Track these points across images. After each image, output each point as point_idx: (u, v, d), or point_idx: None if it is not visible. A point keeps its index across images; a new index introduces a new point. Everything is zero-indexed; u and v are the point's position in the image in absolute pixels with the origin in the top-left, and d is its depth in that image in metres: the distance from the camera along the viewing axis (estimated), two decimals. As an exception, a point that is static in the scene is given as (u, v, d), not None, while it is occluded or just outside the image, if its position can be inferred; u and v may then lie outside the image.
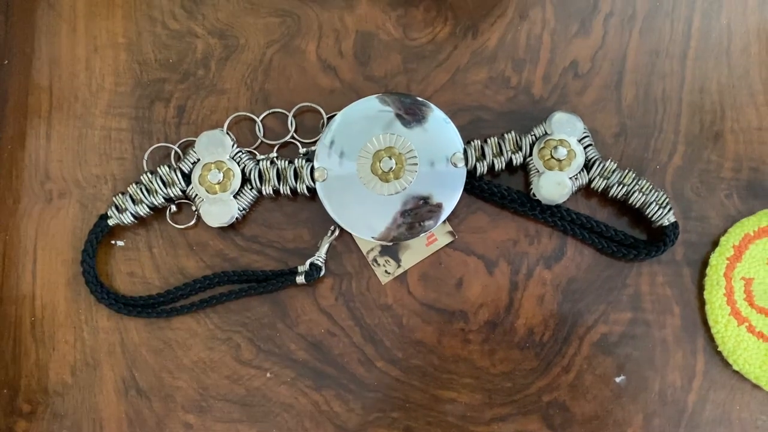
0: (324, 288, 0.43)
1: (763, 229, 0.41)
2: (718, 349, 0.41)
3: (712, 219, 0.42)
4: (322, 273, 0.42)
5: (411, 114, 0.42)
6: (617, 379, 0.41)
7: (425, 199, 0.41)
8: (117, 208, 0.42)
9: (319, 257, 0.42)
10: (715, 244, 0.42)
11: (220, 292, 0.43)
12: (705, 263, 0.42)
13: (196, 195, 0.42)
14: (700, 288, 0.42)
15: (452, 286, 0.43)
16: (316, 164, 0.41)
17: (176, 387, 0.42)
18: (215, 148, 0.42)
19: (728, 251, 0.41)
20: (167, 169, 0.42)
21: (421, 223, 0.41)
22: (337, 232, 0.43)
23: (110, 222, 0.42)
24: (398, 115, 0.42)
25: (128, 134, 0.45)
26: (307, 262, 0.42)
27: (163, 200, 0.42)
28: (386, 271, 0.43)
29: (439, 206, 0.41)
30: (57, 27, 0.46)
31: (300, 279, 0.41)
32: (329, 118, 0.43)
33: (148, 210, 0.42)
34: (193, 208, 0.43)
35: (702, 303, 0.41)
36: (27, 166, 0.45)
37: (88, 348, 0.43)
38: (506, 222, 0.43)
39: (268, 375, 0.42)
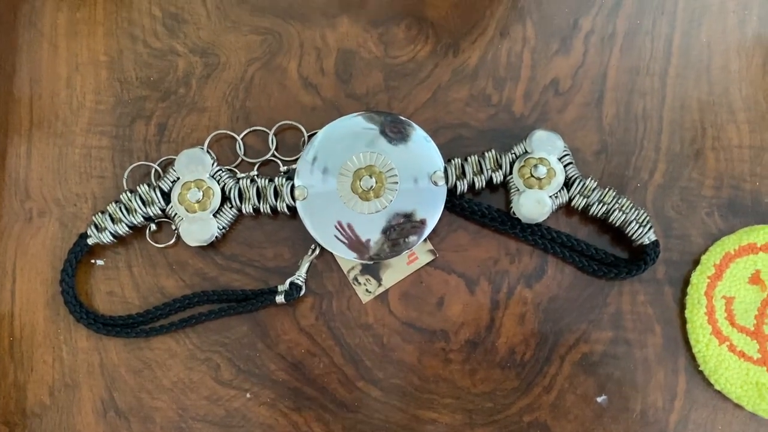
0: (304, 307, 0.42)
1: (743, 247, 0.41)
2: (700, 369, 0.41)
3: (693, 237, 0.42)
4: (302, 292, 0.42)
5: (394, 131, 0.42)
6: (599, 399, 0.41)
7: (407, 217, 0.41)
8: (96, 227, 0.42)
9: (300, 276, 0.42)
10: (696, 262, 0.42)
11: (199, 311, 0.42)
12: (686, 282, 0.42)
13: (176, 214, 0.42)
14: (682, 306, 0.42)
15: (433, 305, 0.42)
16: (296, 182, 0.41)
17: (155, 408, 0.42)
18: (195, 167, 0.42)
19: (709, 270, 0.41)
20: (146, 187, 0.42)
21: (405, 240, 0.41)
22: (317, 251, 0.42)
23: (89, 241, 0.42)
24: (382, 132, 0.42)
25: (109, 152, 0.45)
26: (287, 282, 0.42)
27: (142, 219, 0.42)
28: (367, 290, 0.42)
29: (422, 223, 0.41)
30: (38, 44, 0.46)
31: (279, 298, 0.41)
32: (310, 136, 0.43)
33: (127, 229, 0.42)
34: (173, 227, 0.42)
35: (683, 321, 0.41)
36: (7, 184, 0.45)
37: (67, 368, 0.43)
38: (487, 240, 0.43)
39: (248, 395, 0.42)
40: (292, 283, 0.42)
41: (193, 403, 0.42)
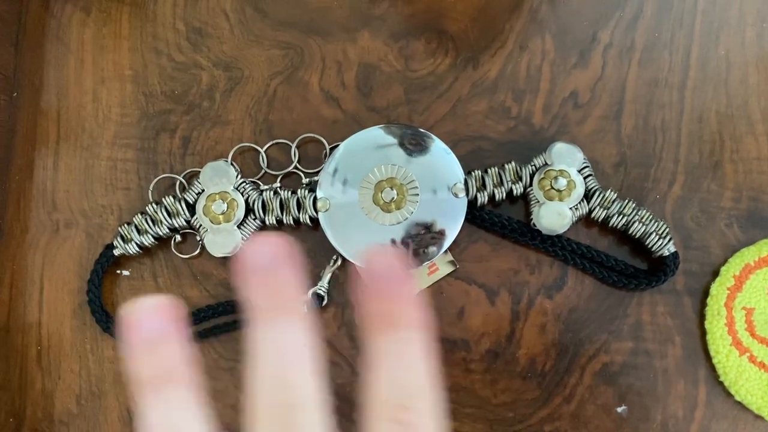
0: (327, 317, 0.43)
1: (763, 258, 0.41)
2: (720, 380, 0.41)
3: (712, 248, 0.43)
4: (325, 303, 0.43)
5: (413, 144, 0.42)
6: (619, 409, 0.41)
7: (427, 228, 0.41)
8: (122, 238, 0.43)
9: (322, 287, 0.43)
10: (716, 273, 0.42)
11: (224, 321, 0.43)
12: (706, 293, 0.42)
13: (201, 225, 0.42)
14: (701, 318, 0.42)
15: (453, 316, 0.43)
16: (318, 194, 0.42)
17: (180, 416, 0.43)
18: (219, 179, 0.43)
19: (729, 281, 0.41)
20: (172, 199, 0.43)
21: (425, 251, 0.41)
22: (339, 262, 0.43)
23: (116, 252, 0.43)
24: (401, 145, 0.42)
25: (134, 165, 0.45)
26: (310, 292, 0.42)
27: (167, 230, 0.43)
28: (388, 301, 0.43)
29: (441, 233, 0.41)
30: (65, 59, 0.47)
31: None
32: (332, 149, 0.44)
33: (153, 240, 0.43)
34: (198, 238, 0.43)
35: (703, 333, 0.42)
36: (34, 196, 0.46)
37: (94, 377, 0.43)
38: (507, 251, 0.43)
39: (271, 404, 0.42)
40: (314, 293, 0.42)
41: (217, 412, 0.42)
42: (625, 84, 0.45)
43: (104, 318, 0.43)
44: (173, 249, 0.44)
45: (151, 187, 0.44)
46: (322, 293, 0.42)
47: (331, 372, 0.43)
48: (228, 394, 0.43)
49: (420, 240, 0.41)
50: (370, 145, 0.43)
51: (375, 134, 0.43)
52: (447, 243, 0.41)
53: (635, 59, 0.45)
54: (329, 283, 0.43)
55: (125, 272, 0.44)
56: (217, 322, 0.43)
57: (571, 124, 0.44)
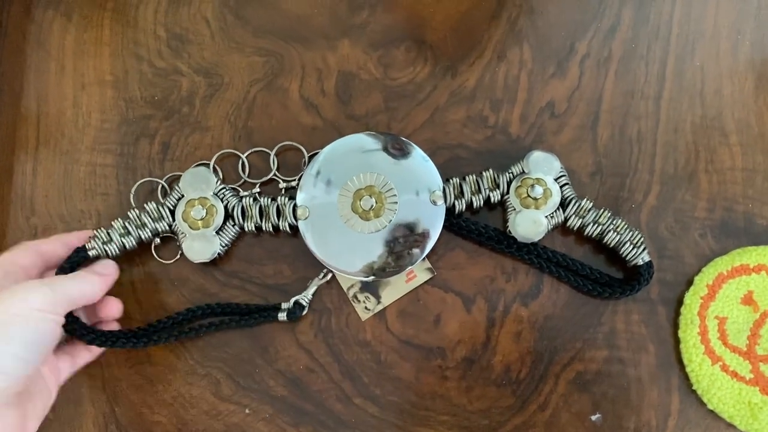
0: (304, 324, 0.43)
1: (736, 268, 0.42)
2: (693, 388, 0.41)
3: (686, 258, 0.43)
4: (305, 312, 0.43)
5: (395, 148, 0.43)
6: (593, 417, 0.42)
7: (410, 230, 0.41)
8: (98, 239, 0.42)
9: (305, 297, 0.43)
10: (690, 283, 0.42)
11: (199, 324, 0.43)
12: (680, 302, 0.42)
13: (180, 231, 0.42)
14: (675, 326, 0.42)
15: (430, 323, 0.43)
16: (299, 200, 0.42)
17: (156, 422, 0.43)
18: (199, 185, 0.43)
19: (702, 290, 0.42)
20: (154, 204, 0.42)
21: (409, 252, 0.41)
22: (329, 276, 0.43)
23: (91, 253, 0.42)
24: (384, 149, 0.43)
25: (113, 170, 0.45)
26: (292, 300, 0.43)
27: (149, 235, 0.42)
28: (366, 308, 0.43)
29: (424, 236, 0.41)
30: (46, 64, 0.47)
31: (282, 316, 0.42)
32: (311, 157, 0.44)
33: (133, 243, 0.42)
34: (177, 244, 0.43)
35: (677, 341, 0.42)
36: (13, 200, 0.45)
37: (69, 383, 0.43)
38: (484, 259, 0.43)
39: (247, 411, 0.42)
40: (296, 302, 0.42)
41: (193, 418, 0.43)
42: (601, 94, 0.45)
43: (74, 322, 0.42)
44: (153, 253, 0.44)
45: (132, 191, 0.44)
46: (304, 303, 0.42)
47: (308, 379, 0.43)
48: (204, 400, 0.43)
49: (404, 242, 0.41)
50: (353, 148, 0.43)
51: (357, 138, 0.43)
52: (429, 246, 0.42)
53: (612, 70, 0.45)
54: (314, 295, 0.43)
55: (103, 277, 0.44)
56: (193, 326, 0.43)
57: (547, 133, 0.45)
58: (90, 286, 0.38)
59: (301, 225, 0.42)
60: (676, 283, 0.43)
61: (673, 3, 0.46)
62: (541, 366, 0.42)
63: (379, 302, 0.43)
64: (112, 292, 0.43)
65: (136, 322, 0.43)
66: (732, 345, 0.41)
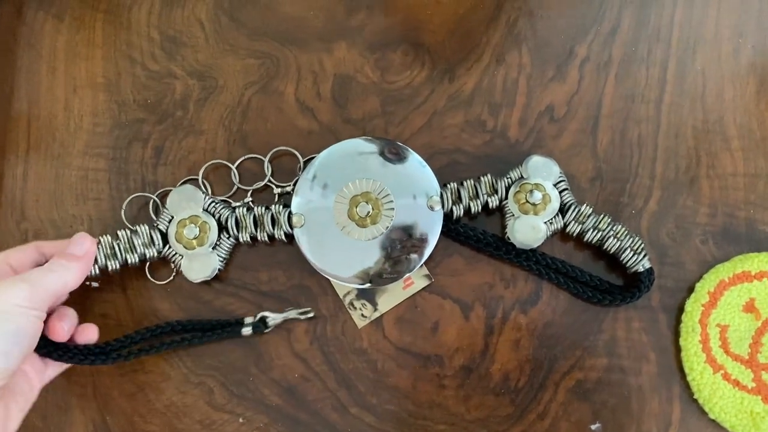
0: (299, 332, 0.42)
1: (738, 275, 0.41)
2: (695, 397, 0.41)
3: (687, 265, 0.42)
4: (267, 330, 0.42)
5: (392, 152, 0.42)
6: (593, 427, 0.41)
7: (403, 243, 0.41)
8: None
9: (275, 317, 0.42)
10: (691, 290, 0.42)
11: (160, 341, 0.41)
12: (681, 309, 0.42)
13: (175, 252, 0.41)
14: (676, 334, 0.42)
15: (428, 330, 0.42)
16: (293, 208, 0.41)
17: (148, 432, 0.42)
18: (188, 203, 0.41)
19: (703, 298, 0.41)
20: (147, 228, 0.41)
21: (407, 257, 0.41)
22: (310, 315, 0.42)
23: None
24: (381, 153, 0.42)
25: (105, 174, 0.45)
26: (258, 315, 0.42)
27: (136, 260, 0.41)
28: (363, 315, 0.42)
29: (422, 241, 0.41)
30: (37, 67, 0.46)
31: (246, 330, 0.41)
32: (306, 162, 0.43)
33: (117, 267, 0.41)
34: (172, 266, 0.42)
35: (678, 349, 0.41)
36: (3, 205, 0.45)
37: (60, 391, 0.42)
38: (482, 265, 0.43)
39: (241, 420, 0.42)
40: (262, 318, 0.41)
41: (186, 427, 0.42)
42: (601, 98, 0.44)
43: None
44: (148, 275, 0.43)
45: (123, 207, 0.43)
46: (270, 323, 0.41)
47: (303, 388, 0.42)
48: (197, 409, 0.42)
49: (402, 246, 0.41)
50: (349, 153, 0.42)
51: (354, 143, 0.42)
52: (428, 251, 0.41)
53: (612, 74, 0.45)
54: (283, 322, 0.42)
55: (94, 284, 0.43)
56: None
57: (547, 138, 0.44)
58: (69, 273, 0.37)
59: (296, 233, 0.41)
60: (677, 290, 0.42)
61: (674, 6, 0.46)
62: (541, 374, 0.42)
63: (375, 309, 0.42)
64: (105, 301, 0.43)
65: (129, 330, 0.43)
66: (734, 353, 0.41)
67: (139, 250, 0.41)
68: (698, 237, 0.43)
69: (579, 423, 0.41)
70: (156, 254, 0.41)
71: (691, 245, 0.42)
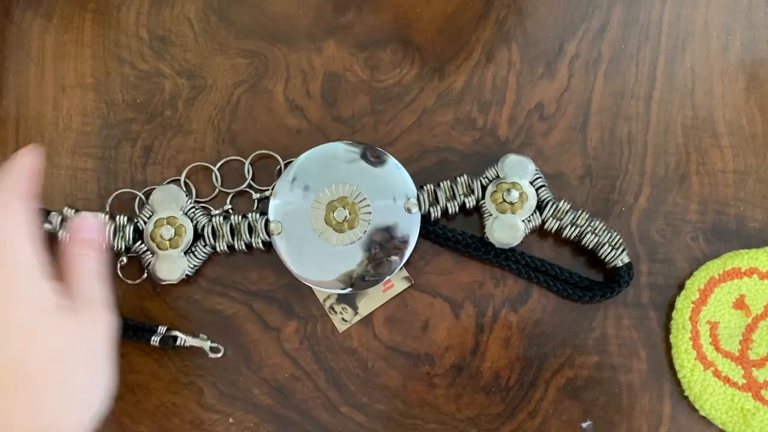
0: (288, 331, 0.42)
1: (728, 272, 0.41)
2: (685, 394, 0.41)
3: (677, 261, 0.42)
4: (220, 354, 0.41)
5: (374, 156, 0.42)
6: (584, 425, 0.41)
7: (382, 245, 0.41)
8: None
9: (185, 336, 0.41)
10: (681, 287, 0.42)
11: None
12: (671, 306, 0.42)
13: (147, 250, 0.41)
14: (667, 331, 0.41)
15: (418, 329, 0.42)
16: (271, 213, 0.41)
17: (137, 432, 0.42)
18: (169, 203, 0.41)
19: (694, 294, 0.41)
20: (124, 218, 0.41)
21: (388, 259, 0.41)
22: (219, 354, 0.41)
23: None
24: (363, 156, 0.42)
25: (94, 174, 0.44)
26: (165, 330, 0.41)
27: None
28: (343, 319, 0.42)
29: (403, 242, 0.41)
30: (25, 66, 0.46)
31: (155, 340, 0.41)
32: (286, 164, 0.43)
33: None
34: (144, 264, 0.42)
35: (668, 346, 0.41)
36: (-9, 206, 0.44)
37: (49, 392, 0.42)
38: (472, 264, 0.43)
39: (231, 420, 0.41)
40: (172, 336, 0.41)
41: (175, 427, 0.42)
42: (591, 95, 0.44)
43: None
44: (119, 272, 0.42)
45: (109, 202, 0.43)
46: (178, 340, 0.41)
47: (293, 387, 0.42)
48: (187, 410, 0.42)
49: (383, 248, 0.41)
50: (327, 157, 0.42)
51: (333, 147, 0.42)
52: (408, 252, 0.41)
53: (601, 71, 0.45)
54: (192, 344, 0.41)
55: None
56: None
57: (536, 135, 0.44)
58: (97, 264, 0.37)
59: (274, 240, 0.41)
60: (668, 287, 0.42)
61: (663, 3, 0.46)
62: (531, 372, 0.41)
63: (356, 313, 0.42)
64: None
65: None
66: (724, 350, 0.41)
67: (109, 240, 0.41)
68: (688, 234, 0.43)
69: (570, 421, 0.41)
70: (124, 248, 0.41)
71: (681, 242, 0.42)
